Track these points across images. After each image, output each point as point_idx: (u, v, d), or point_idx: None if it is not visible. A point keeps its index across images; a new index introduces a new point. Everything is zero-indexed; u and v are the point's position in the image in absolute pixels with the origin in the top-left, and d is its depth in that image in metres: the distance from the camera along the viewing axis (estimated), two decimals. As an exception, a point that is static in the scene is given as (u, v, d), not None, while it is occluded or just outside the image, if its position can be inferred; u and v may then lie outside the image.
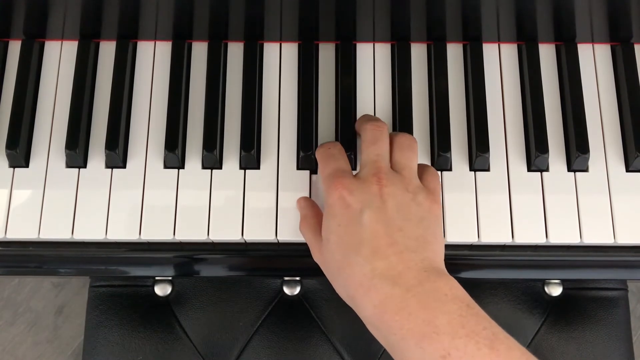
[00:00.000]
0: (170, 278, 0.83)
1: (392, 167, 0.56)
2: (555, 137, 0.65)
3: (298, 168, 0.64)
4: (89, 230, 0.61)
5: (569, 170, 0.64)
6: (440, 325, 0.47)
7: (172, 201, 0.62)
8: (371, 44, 0.67)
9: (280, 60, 0.67)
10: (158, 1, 0.63)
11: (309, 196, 0.63)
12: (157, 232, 0.62)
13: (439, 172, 0.63)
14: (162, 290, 0.82)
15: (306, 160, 0.63)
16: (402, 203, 0.53)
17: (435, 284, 0.50)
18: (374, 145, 0.57)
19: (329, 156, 0.58)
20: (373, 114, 0.65)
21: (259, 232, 0.62)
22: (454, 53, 0.67)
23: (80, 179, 0.63)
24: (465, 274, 0.66)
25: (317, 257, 0.58)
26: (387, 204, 0.53)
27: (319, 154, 0.59)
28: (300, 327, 0.82)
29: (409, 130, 0.64)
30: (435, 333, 0.47)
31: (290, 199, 0.63)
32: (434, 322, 0.48)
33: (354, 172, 0.58)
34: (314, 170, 0.64)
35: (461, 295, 0.50)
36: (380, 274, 0.50)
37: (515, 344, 0.48)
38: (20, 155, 0.62)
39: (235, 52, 0.67)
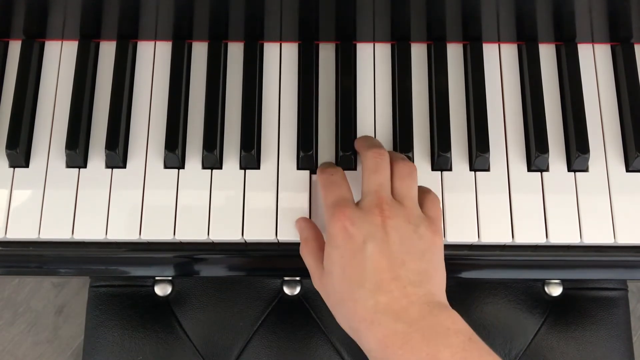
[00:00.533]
0: (170, 278, 0.83)
1: (393, 195, 0.56)
2: (555, 137, 0.65)
3: (298, 168, 0.64)
4: (89, 230, 0.61)
5: (569, 170, 0.64)
6: (443, 359, 0.48)
7: (172, 201, 0.62)
8: (371, 44, 0.67)
9: (280, 60, 0.67)
10: (158, 1, 0.63)
11: (308, 196, 0.63)
12: (157, 232, 0.62)
13: (439, 172, 0.63)
14: (162, 290, 0.82)
15: (306, 161, 0.63)
16: (404, 236, 0.53)
17: (438, 318, 0.50)
18: (375, 173, 0.56)
19: (331, 183, 0.57)
20: (373, 114, 0.65)
21: (259, 232, 0.62)
22: (454, 53, 0.67)
23: (80, 179, 0.63)
24: (465, 274, 0.66)
25: (317, 285, 0.57)
26: (390, 237, 0.53)
27: (321, 180, 0.59)
28: (300, 327, 0.82)
29: (410, 130, 0.64)
30: None
31: (290, 199, 0.63)
32: (436, 356, 0.48)
33: (355, 179, 0.58)
34: (313, 170, 0.64)
35: (463, 329, 0.50)
36: (384, 309, 0.51)
37: None
38: (20, 155, 0.62)
39: (235, 52, 0.67)
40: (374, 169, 0.57)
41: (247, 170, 0.63)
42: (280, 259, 0.65)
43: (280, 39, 0.67)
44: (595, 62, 0.67)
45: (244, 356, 0.81)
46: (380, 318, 0.50)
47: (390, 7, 0.63)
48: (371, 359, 0.52)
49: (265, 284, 0.83)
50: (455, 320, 0.51)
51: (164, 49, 0.67)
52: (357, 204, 0.56)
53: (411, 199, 0.56)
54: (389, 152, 0.60)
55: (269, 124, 0.65)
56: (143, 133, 0.64)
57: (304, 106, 0.64)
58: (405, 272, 0.52)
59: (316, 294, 0.83)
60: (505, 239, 0.62)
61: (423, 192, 0.59)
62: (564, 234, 0.62)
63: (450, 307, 0.52)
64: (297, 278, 0.83)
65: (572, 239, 0.62)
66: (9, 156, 0.62)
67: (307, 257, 0.58)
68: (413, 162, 0.63)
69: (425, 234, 0.55)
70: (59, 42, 0.67)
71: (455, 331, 0.50)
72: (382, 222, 0.53)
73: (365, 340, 0.51)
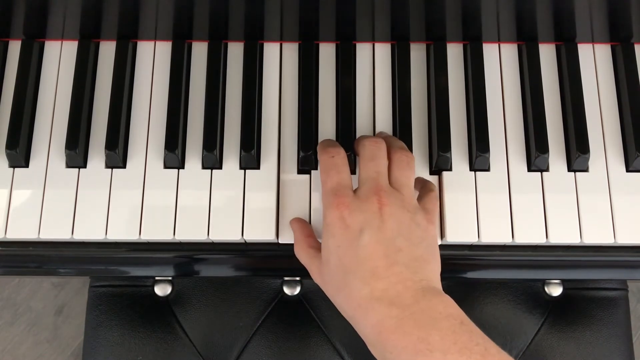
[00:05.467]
0: (170, 278, 0.83)
1: (390, 183, 0.56)
2: (556, 137, 0.65)
3: (298, 168, 0.64)
4: (89, 230, 0.61)
5: (569, 170, 0.64)
6: (434, 342, 0.48)
7: (172, 201, 0.62)
8: (371, 44, 0.67)
9: (281, 60, 0.67)
10: (158, 1, 0.63)
11: (309, 196, 0.63)
12: (157, 232, 0.62)
13: (439, 172, 0.63)
14: (162, 290, 0.82)
15: (306, 160, 0.63)
16: (401, 223, 0.54)
17: (430, 303, 0.51)
18: (372, 161, 0.56)
19: (332, 167, 0.57)
20: (373, 114, 0.65)
21: (259, 232, 0.62)
22: (454, 53, 0.67)
23: (80, 179, 0.63)
24: (465, 274, 0.66)
25: (316, 278, 0.58)
26: (387, 224, 0.53)
27: (321, 161, 0.58)
28: (300, 327, 0.82)
29: (409, 131, 0.64)
30: (429, 350, 0.48)
31: (291, 198, 0.63)
32: (427, 339, 0.48)
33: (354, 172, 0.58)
34: (314, 169, 0.64)
35: (455, 313, 0.51)
36: (379, 295, 0.51)
37: (507, 357, 0.49)
38: (20, 155, 0.62)
39: (235, 52, 0.67)
40: (370, 157, 0.57)
41: (247, 170, 0.63)
42: (280, 259, 0.65)
43: (281, 39, 0.67)
44: (595, 62, 0.67)
45: (244, 356, 0.81)
46: (375, 304, 0.51)
47: (390, 7, 0.63)
48: (368, 345, 0.52)
49: (265, 284, 0.83)
50: (447, 305, 0.51)
51: (164, 48, 0.67)
52: (355, 191, 0.56)
53: (409, 188, 0.57)
54: (387, 137, 0.60)
55: (269, 124, 0.65)
56: (143, 133, 0.64)
57: (303, 106, 0.64)
58: (401, 258, 0.52)
59: (316, 294, 0.83)
60: (505, 239, 0.62)
61: (426, 189, 0.60)
62: (564, 234, 0.62)
63: (443, 293, 0.53)
64: (297, 278, 0.83)
65: (572, 239, 0.62)
66: (9, 156, 0.62)
67: (300, 253, 0.59)
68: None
69: (422, 222, 0.55)
70: (59, 42, 0.67)
71: (447, 315, 0.50)
72: (380, 209, 0.53)
73: (362, 326, 0.52)
